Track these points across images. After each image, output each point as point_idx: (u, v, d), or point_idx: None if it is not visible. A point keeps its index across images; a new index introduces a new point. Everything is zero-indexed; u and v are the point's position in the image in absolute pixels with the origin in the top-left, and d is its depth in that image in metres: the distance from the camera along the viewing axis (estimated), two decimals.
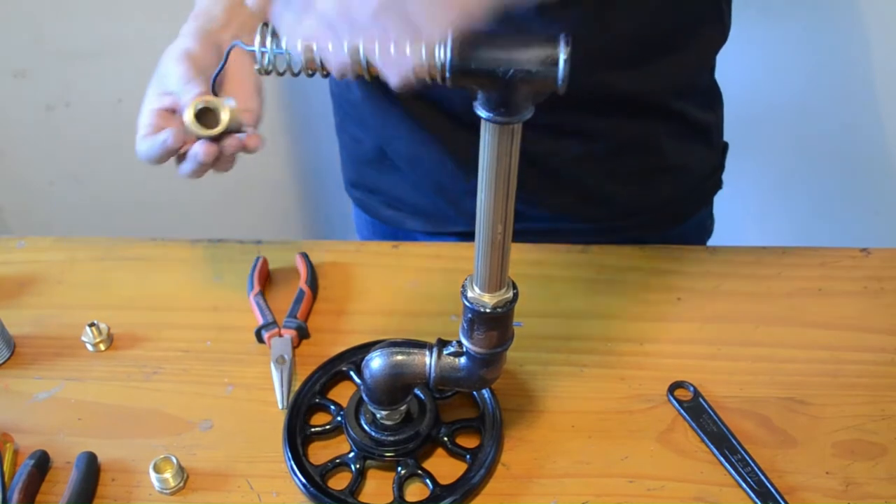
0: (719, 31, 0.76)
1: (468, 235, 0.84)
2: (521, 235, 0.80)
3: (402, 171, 0.84)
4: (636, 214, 0.82)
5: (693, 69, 0.78)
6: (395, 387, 0.57)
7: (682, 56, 0.73)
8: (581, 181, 0.78)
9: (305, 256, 0.76)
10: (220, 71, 0.58)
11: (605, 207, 0.81)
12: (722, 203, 0.93)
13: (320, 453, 0.61)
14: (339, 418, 0.62)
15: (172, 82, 0.60)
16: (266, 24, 0.45)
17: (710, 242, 0.94)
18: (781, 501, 0.56)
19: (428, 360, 0.55)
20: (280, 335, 0.68)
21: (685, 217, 0.86)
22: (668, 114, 0.77)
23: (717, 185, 0.87)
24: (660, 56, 0.71)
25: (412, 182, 0.84)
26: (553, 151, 0.76)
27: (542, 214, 0.81)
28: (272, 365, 0.66)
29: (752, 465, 0.58)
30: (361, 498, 0.58)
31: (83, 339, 0.69)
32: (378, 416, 0.59)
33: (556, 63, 0.40)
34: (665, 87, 0.75)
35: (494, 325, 0.52)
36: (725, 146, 0.88)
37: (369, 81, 0.45)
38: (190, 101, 0.57)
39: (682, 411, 0.63)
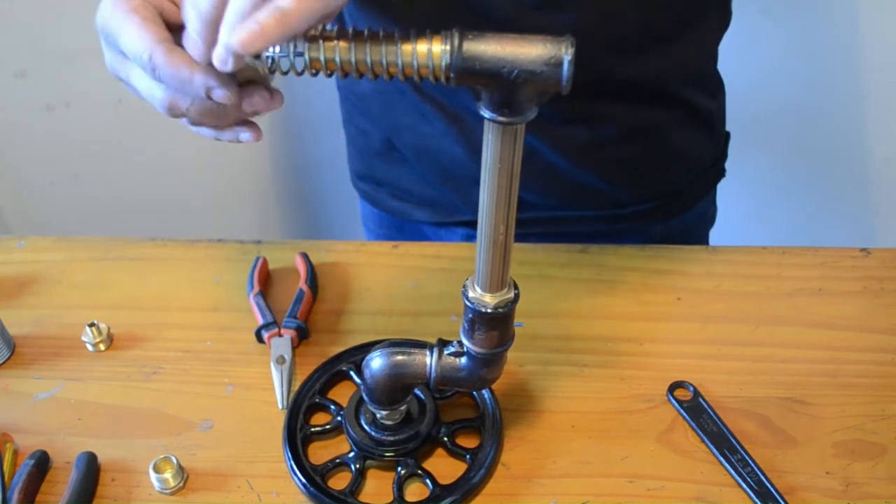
0: (722, 17, 0.76)
1: (475, 225, 0.85)
2: (525, 225, 0.81)
3: (410, 162, 0.84)
4: (641, 202, 0.82)
5: (697, 56, 0.78)
6: (396, 387, 0.57)
7: (686, 43, 0.74)
8: (586, 169, 0.78)
9: (305, 256, 0.76)
10: None
11: (610, 196, 0.81)
12: (722, 202, 0.93)
13: (320, 453, 0.61)
14: (338, 418, 0.62)
15: None
16: None
17: (711, 239, 0.94)
18: (781, 501, 0.56)
19: (428, 360, 0.55)
20: (280, 335, 0.68)
21: (689, 205, 0.86)
22: (672, 101, 0.77)
23: (721, 173, 0.88)
24: (665, 43, 0.72)
25: (419, 173, 0.84)
26: (558, 139, 0.76)
27: (546, 203, 0.81)
28: (272, 365, 0.66)
29: (752, 465, 0.58)
30: (361, 498, 0.58)
31: (83, 339, 0.69)
32: (378, 415, 0.59)
33: (560, 64, 0.40)
34: (670, 74, 0.75)
35: (495, 326, 0.52)
36: (727, 135, 0.88)
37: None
38: None
39: (682, 411, 0.63)
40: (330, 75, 0.44)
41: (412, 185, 0.87)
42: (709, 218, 0.92)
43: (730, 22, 0.77)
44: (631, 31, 0.70)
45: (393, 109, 0.80)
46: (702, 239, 0.92)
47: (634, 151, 0.79)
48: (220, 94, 0.45)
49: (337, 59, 0.42)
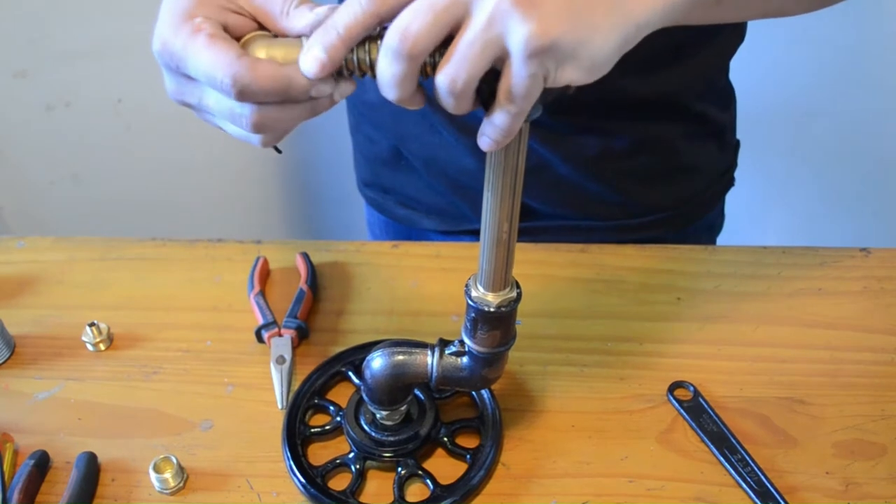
0: (737, 30, 0.76)
1: None
2: (535, 234, 0.81)
3: (418, 171, 0.84)
4: (652, 213, 0.82)
5: (712, 70, 0.78)
6: (396, 387, 0.57)
7: (702, 58, 0.74)
8: (599, 181, 0.78)
9: (306, 256, 0.76)
10: None
11: (622, 207, 0.81)
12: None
13: (320, 454, 0.61)
14: (338, 419, 0.62)
15: None
16: None
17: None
18: (781, 501, 0.56)
19: (430, 360, 0.55)
20: (280, 335, 0.68)
21: (699, 216, 0.86)
22: (686, 114, 0.77)
23: (730, 183, 0.88)
24: (681, 59, 0.72)
25: (427, 182, 0.84)
26: (570, 151, 0.76)
27: (557, 213, 0.81)
28: (272, 365, 0.66)
29: (752, 465, 0.58)
30: (362, 498, 0.58)
31: (83, 339, 0.68)
32: (378, 416, 0.59)
33: None
34: (685, 89, 0.75)
35: (497, 325, 0.52)
36: (738, 144, 0.88)
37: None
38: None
39: (682, 411, 0.63)
40: (363, 76, 0.43)
41: (420, 194, 0.86)
42: (717, 227, 0.92)
43: (745, 35, 0.77)
44: (647, 49, 0.69)
45: (401, 119, 0.80)
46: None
47: (646, 163, 0.79)
48: (324, 89, 0.43)
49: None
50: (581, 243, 0.78)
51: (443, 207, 0.85)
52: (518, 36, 0.39)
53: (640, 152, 0.77)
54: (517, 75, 0.40)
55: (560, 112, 0.72)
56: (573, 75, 0.41)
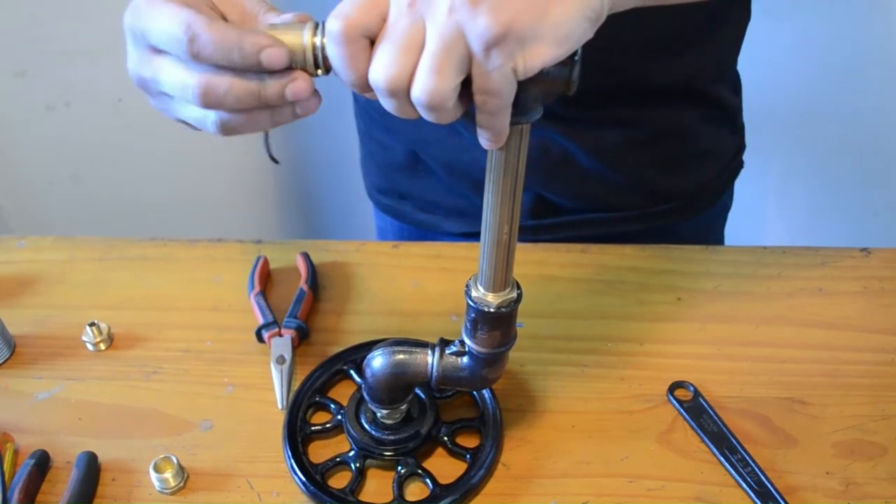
0: (746, 10, 0.76)
1: None
2: (558, 229, 0.81)
3: (437, 174, 0.83)
4: (671, 200, 0.83)
5: (726, 52, 0.79)
6: (397, 386, 0.57)
7: (717, 41, 0.74)
8: (619, 171, 0.79)
9: (306, 256, 0.76)
10: None
11: (642, 196, 0.81)
12: None
13: (320, 452, 0.61)
14: (339, 417, 0.62)
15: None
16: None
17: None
18: (781, 501, 0.56)
19: (430, 360, 0.55)
20: (280, 335, 0.68)
21: (715, 200, 0.87)
22: (703, 99, 0.78)
23: (740, 165, 0.89)
24: (698, 43, 0.72)
25: (448, 184, 0.84)
26: (594, 143, 0.76)
27: (580, 206, 0.81)
28: (272, 365, 0.66)
29: (752, 465, 0.58)
30: (361, 497, 0.58)
31: (83, 338, 0.69)
32: (378, 415, 0.59)
33: (566, 64, 0.40)
34: (702, 72, 0.76)
35: (498, 325, 0.52)
36: (744, 127, 0.89)
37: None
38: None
39: (682, 411, 0.63)
40: None
41: (440, 197, 0.86)
42: (728, 207, 0.92)
43: (750, 15, 0.78)
44: (665, 34, 0.70)
45: (419, 123, 0.79)
46: (723, 228, 0.93)
47: (667, 150, 0.79)
48: (274, 53, 0.42)
49: None
50: (603, 235, 0.79)
51: (464, 209, 0.85)
52: (473, 32, 0.38)
53: (661, 140, 0.78)
54: (483, 71, 0.39)
55: (584, 103, 0.72)
56: (543, 55, 0.40)
